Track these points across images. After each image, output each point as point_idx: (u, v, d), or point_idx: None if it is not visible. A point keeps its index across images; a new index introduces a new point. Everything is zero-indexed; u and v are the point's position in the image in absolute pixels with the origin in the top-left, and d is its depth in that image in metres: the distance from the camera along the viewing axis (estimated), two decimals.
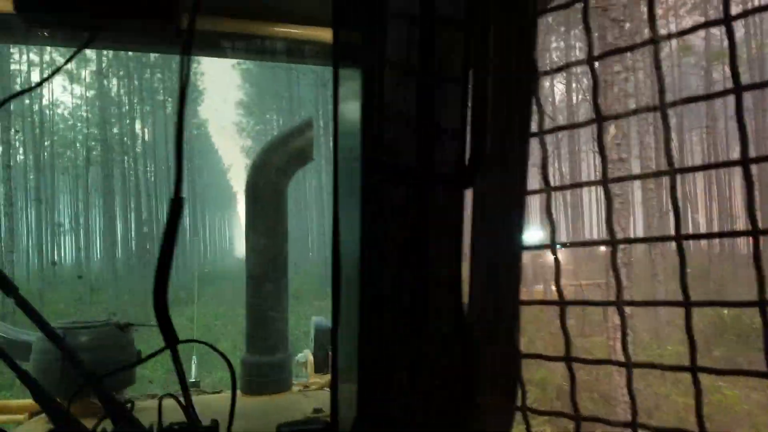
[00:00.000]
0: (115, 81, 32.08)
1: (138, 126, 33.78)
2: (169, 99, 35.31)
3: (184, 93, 0.87)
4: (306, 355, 2.25)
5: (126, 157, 31.77)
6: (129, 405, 1.12)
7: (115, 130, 31.68)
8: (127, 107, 32.53)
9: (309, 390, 2.02)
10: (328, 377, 2.16)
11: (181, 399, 1.06)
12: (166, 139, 34.75)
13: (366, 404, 0.76)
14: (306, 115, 31.85)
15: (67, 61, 0.98)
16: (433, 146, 0.70)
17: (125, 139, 32.04)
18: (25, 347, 1.88)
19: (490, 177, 0.71)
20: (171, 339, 0.96)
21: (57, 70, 1.06)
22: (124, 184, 31.57)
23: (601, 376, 10.29)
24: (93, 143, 30.65)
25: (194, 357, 2.72)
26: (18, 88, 26.70)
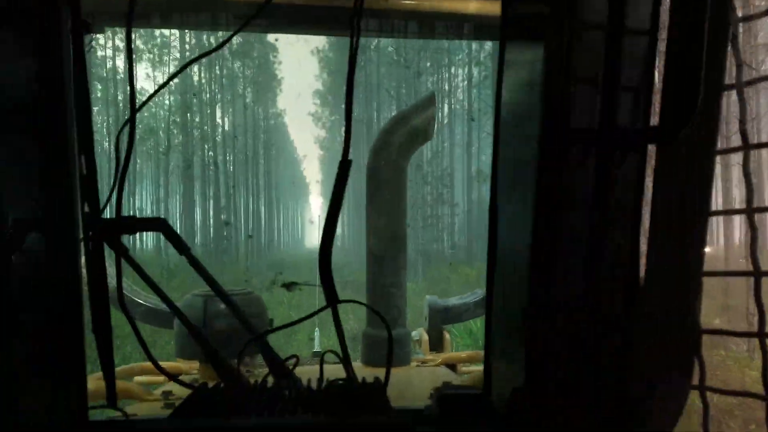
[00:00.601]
0: (196, 69, 33.68)
1: (218, 115, 35.39)
2: (249, 89, 36.73)
3: (353, 67, 0.97)
4: (420, 333, 2.34)
5: (206, 145, 33.43)
6: (294, 360, 1.23)
7: (197, 119, 33.37)
8: (208, 95, 34.15)
9: (426, 366, 2.11)
10: (443, 355, 2.24)
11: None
12: (245, 129, 36.21)
13: (532, 375, 0.77)
14: (384, 105, 32.08)
15: (221, 44, 1.08)
16: (617, 105, 0.70)
17: (205, 127, 33.70)
18: (167, 315, 2.09)
19: (674, 140, 0.70)
20: (332, 298, 1.07)
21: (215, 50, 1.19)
22: (203, 171, 33.27)
23: None
24: (175, 131, 32.44)
25: (317, 330, 2.90)
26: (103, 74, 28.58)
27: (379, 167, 2.13)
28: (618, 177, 0.71)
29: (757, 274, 0.71)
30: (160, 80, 37.03)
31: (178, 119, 31.83)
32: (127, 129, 0.97)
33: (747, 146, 0.74)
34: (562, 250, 0.74)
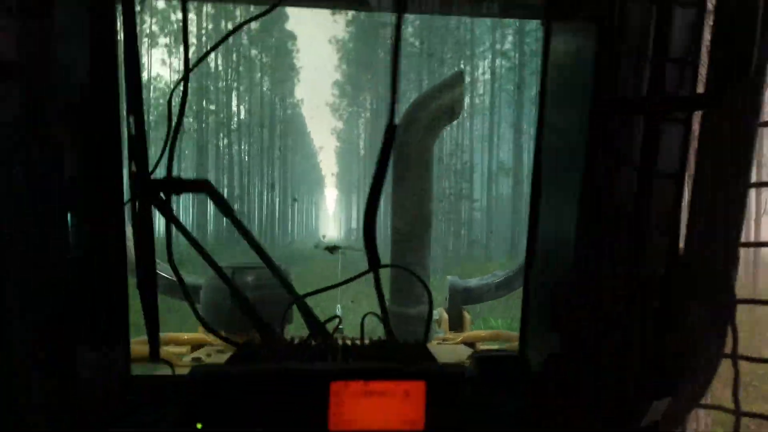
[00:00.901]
0: (213, 56, 33.91)
1: (234, 103, 35.66)
2: (266, 78, 36.90)
3: (399, 30, 0.99)
4: (440, 313, 2.38)
5: (221, 134, 33.73)
6: (337, 320, 1.27)
7: (212, 107, 33.67)
8: (224, 83, 34.41)
9: (447, 344, 2.15)
10: (464, 334, 2.28)
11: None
12: (261, 119, 36.42)
13: (567, 342, 0.81)
14: (407, 94, 32.06)
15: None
16: (664, 74, 0.72)
17: (221, 115, 34.00)
18: (193, 289, 2.14)
19: (722, 104, 0.73)
20: (374, 261, 1.10)
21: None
22: (217, 159, 33.59)
23: None
24: (190, 119, 32.76)
25: (339, 306, 2.95)
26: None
27: (406, 145, 2.17)
28: (664, 146, 0.74)
29: None
30: (176, 66, 37.38)
31: (194, 106, 32.12)
32: (179, 90, 1.01)
33: None
34: (608, 218, 0.77)
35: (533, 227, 1.00)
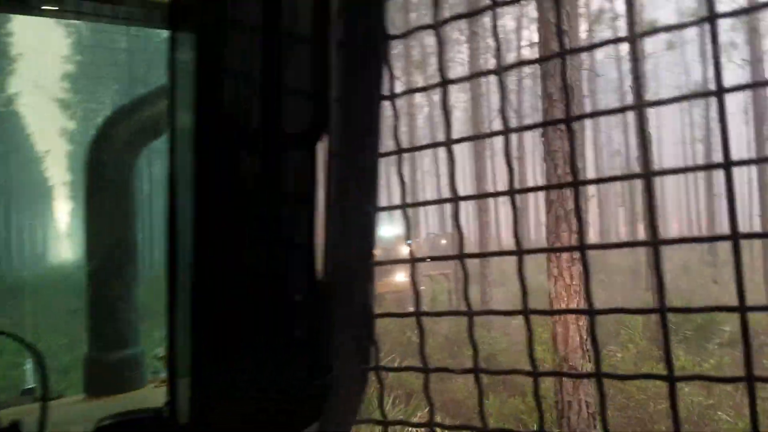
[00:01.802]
0: None
1: None
2: None
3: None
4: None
5: None
6: None
7: None
8: None
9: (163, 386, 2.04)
10: None
11: None
12: None
13: (202, 387, 0.78)
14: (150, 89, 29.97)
15: None
16: (280, 107, 0.74)
17: None
18: None
19: (341, 139, 0.78)
20: None
21: None
22: None
23: None
24: None
25: (27, 362, 2.54)
26: None
27: (101, 163, 2.00)
28: (290, 170, 0.76)
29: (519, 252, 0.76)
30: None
31: None
32: None
33: (400, 150, 0.85)
34: (230, 254, 0.77)
35: (172, 267, 0.94)
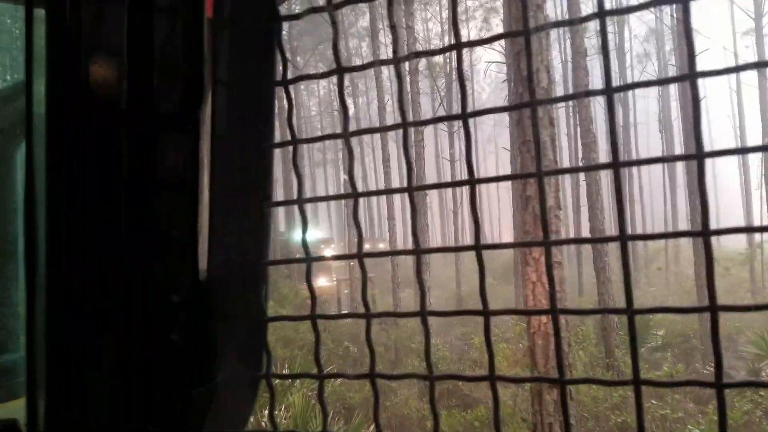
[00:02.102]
0: None
1: None
2: None
3: None
4: None
5: None
6: None
7: None
8: None
9: None
10: None
11: None
12: None
13: (56, 398, 0.73)
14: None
15: None
16: (150, 85, 0.69)
17: None
18: None
19: (228, 124, 0.73)
20: None
21: None
22: None
23: None
24: None
25: None
26: None
27: None
28: (169, 157, 0.70)
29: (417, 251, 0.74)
30: None
31: None
32: None
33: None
34: (88, 250, 0.71)
35: (31, 262, 0.86)
